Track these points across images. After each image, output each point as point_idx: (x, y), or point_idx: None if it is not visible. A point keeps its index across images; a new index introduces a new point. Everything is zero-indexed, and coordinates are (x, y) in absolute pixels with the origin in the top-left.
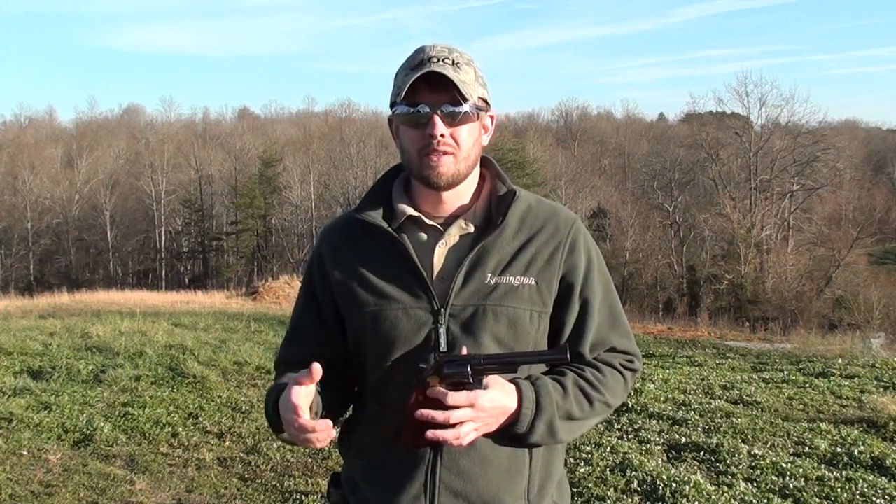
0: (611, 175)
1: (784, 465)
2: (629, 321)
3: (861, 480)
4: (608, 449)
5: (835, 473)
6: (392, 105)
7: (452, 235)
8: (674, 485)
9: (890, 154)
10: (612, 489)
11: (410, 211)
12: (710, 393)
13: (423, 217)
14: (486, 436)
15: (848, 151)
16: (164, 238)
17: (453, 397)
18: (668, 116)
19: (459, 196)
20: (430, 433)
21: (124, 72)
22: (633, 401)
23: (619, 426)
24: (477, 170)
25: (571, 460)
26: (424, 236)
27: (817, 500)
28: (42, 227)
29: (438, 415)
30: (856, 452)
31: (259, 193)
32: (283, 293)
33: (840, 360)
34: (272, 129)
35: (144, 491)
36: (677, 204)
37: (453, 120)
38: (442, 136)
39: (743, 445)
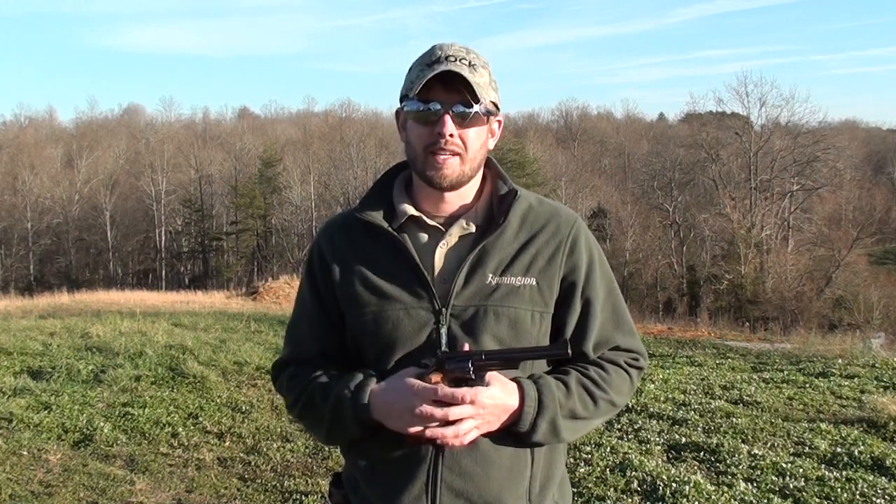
0: (611, 175)
1: (784, 465)
2: None
3: (861, 480)
4: (608, 449)
5: (835, 473)
6: (402, 98)
7: (453, 236)
8: (674, 485)
9: (890, 154)
10: (612, 489)
11: (412, 211)
12: (710, 393)
13: (425, 217)
14: (488, 435)
15: (848, 151)
16: (164, 238)
17: (454, 393)
18: (668, 116)
19: (461, 196)
20: (429, 430)
21: (124, 72)
22: (633, 401)
23: (619, 426)
24: (480, 170)
25: (571, 460)
26: (425, 236)
27: (817, 500)
28: (42, 227)
29: (437, 411)
30: (856, 452)
31: (259, 193)
32: (283, 293)
33: (840, 360)
34: (272, 129)
35: (144, 491)
36: (677, 204)
37: (463, 121)
38: (451, 135)
39: (743, 445)
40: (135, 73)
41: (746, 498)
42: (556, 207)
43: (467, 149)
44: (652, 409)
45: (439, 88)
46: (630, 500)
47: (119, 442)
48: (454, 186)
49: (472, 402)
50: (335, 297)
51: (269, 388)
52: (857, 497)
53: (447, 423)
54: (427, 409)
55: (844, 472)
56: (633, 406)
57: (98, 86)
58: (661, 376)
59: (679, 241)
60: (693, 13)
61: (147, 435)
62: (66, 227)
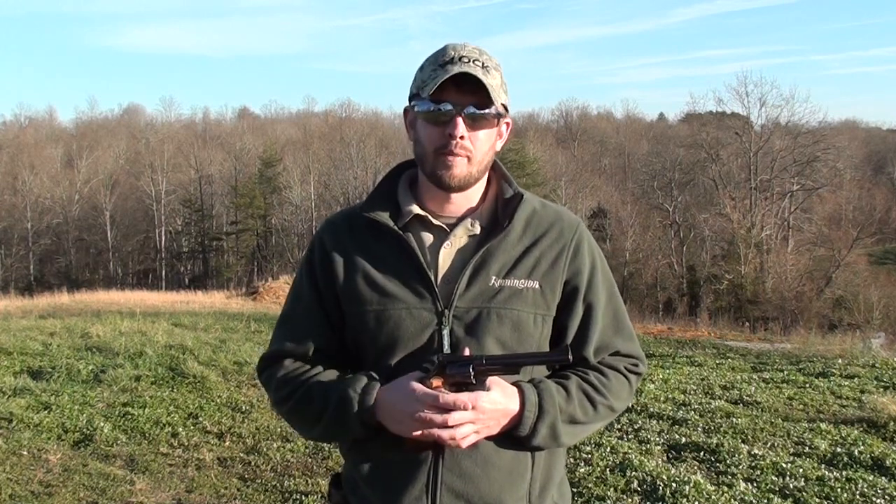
0: (611, 175)
1: (784, 465)
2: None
3: (861, 480)
4: (608, 449)
5: (835, 473)
6: (412, 97)
7: (458, 237)
8: (674, 485)
9: (890, 154)
10: (612, 489)
11: (417, 210)
12: (710, 393)
13: (430, 217)
14: (488, 438)
15: (848, 151)
16: (164, 238)
17: (454, 399)
18: (668, 116)
19: (467, 197)
20: (429, 433)
21: (124, 72)
22: (634, 401)
23: (619, 426)
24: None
25: (571, 460)
26: (430, 236)
27: (817, 500)
28: (42, 227)
29: (437, 416)
30: (856, 452)
31: (259, 193)
32: (283, 293)
33: (840, 360)
34: (272, 129)
35: (144, 491)
36: (677, 204)
37: (474, 123)
38: (462, 137)
39: (743, 445)
40: (135, 73)
41: (746, 498)
42: (559, 211)
43: (476, 150)
44: (652, 409)
45: (452, 89)
46: (630, 500)
47: (119, 442)
48: (462, 187)
49: (472, 408)
50: (335, 293)
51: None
52: (857, 497)
53: (447, 427)
54: (427, 414)
55: (844, 472)
56: (633, 406)
57: (98, 86)
58: (661, 376)
59: (679, 241)
60: (693, 13)
61: (147, 435)
62: (66, 227)
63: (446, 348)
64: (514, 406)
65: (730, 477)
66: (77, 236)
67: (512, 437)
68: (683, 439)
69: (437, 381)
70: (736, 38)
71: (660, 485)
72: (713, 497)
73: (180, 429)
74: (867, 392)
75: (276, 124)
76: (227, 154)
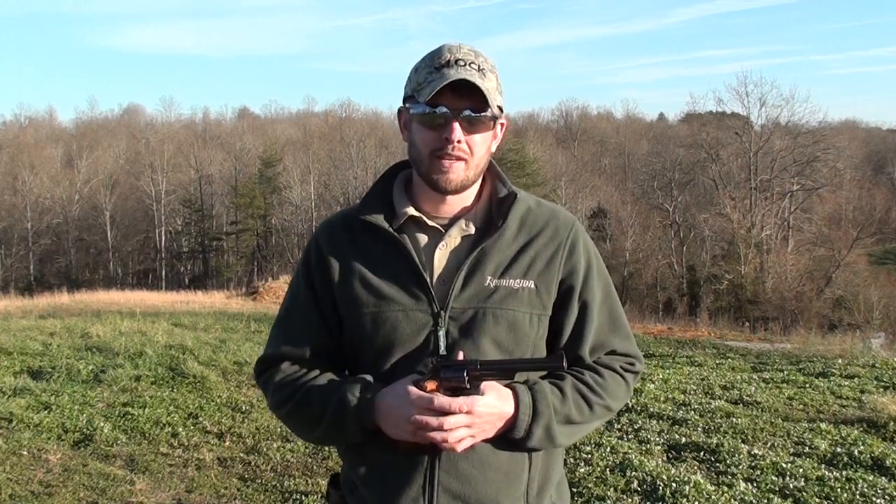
0: (611, 175)
1: (784, 465)
2: (629, 321)
3: (861, 480)
4: (608, 449)
5: (835, 473)
6: (407, 98)
7: (453, 237)
8: (674, 485)
9: (890, 154)
10: (612, 489)
11: (412, 211)
12: (710, 393)
13: (425, 218)
14: (485, 439)
15: (848, 151)
16: (164, 238)
17: (450, 403)
18: (668, 116)
19: (462, 198)
20: (424, 436)
21: (124, 72)
22: (633, 401)
23: (619, 426)
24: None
25: (571, 460)
26: (425, 237)
27: (817, 500)
28: (42, 227)
29: (433, 420)
30: (856, 452)
31: (259, 193)
32: (283, 293)
33: (840, 360)
34: (272, 129)
35: (144, 491)
36: (677, 204)
37: (471, 126)
38: (458, 141)
39: (743, 445)
40: (135, 73)
41: (746, 498)
42: (554, 210)
43: (473, 154)
44: (652, 409)
45: (448, 93)
46: (630, 500)
47: (119, 442)
48: (458, 191)
49: (467, 412)
50: (332, 296)
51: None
52: (857, 497)
53: (443, 430)
54: (423, 417)
55: (844, 472)
56: (633, 406)
57: (98, 86)
58: (661, 376)
59: (679, 241)
60: (693, 13)
61: (147, 435)
62: (66, 227)
63: (442, 349)
64: (509, 409)
65: (730, 477)
66: (77, 236)
67: (508, 439)
68: (683, 439)
69: (431, 385)
70: (736, 38)
71: (660, 485)
72: (713, 497)
73: (180, 429)
74: (867, 392)
75: (276, 124)
76: (227, 154)
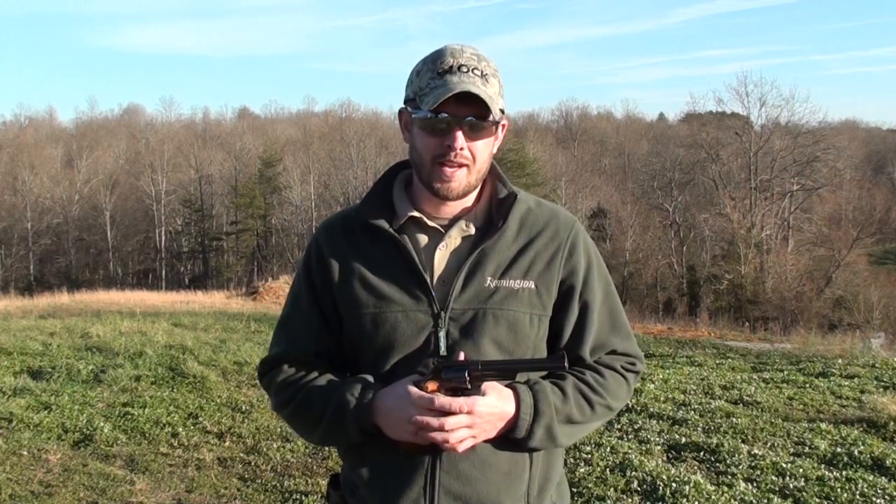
0: (611, 175)
1: (784, 465)
2: (629, 321)
3: (861, 480)
4: (608, 449)
5: (835, 473)
6: (408, 100)
7: (453, 238)
8: (674, 485)
9: (890, 154)
10: (612, 489)
11: (412, 212)
12: (710, 393)
13: (425, 218)
14: (485, 440)
15: (848, 151)
16: (164, 238)
17: (450, 403)
18: (668, 116)
19: (463, 199)
20: (425, 437)
21: (124, 72)
22: (634, 401)
23: (619, 426)
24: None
25: (571, 460)
26: (425, 238)
27: (817, 500)
28: (42, 227)
29: (434, 421)
30: (856, 452)
31: (259, 193)
32: (283, 293)
33: (840, 360)
34: (272, 129)
35: (144, 491)
36: (677, 204)
37: (473, 133)
38: (461, 148)
39: (743, 445)
40: (135, 73)
41: (746, 498)
42: (554, 210)
43: (475, 160)
44: (652, 409)
45: (451, 100)
46: (630, 500)
47: (119, 442)
48: (460, 198)
49: (468, 412)
50: (332, 297)
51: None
52: (857, 497)
53: (444, 431)
54: (424, 418)
55: (844, 472)
56: (633, 406)
57: (98, 86)
58: (661, 376)
59: (679, 241)
60: (693, 13)
61: (147, 435)
62: (66, 227)
63: (443, 350)
64: (510, 409)
65: (730, 477)
66: (77, 236)
67: (509, 439)
68: (683, 439)
69: (432, 386)
70: (736, 38)
71: (660, 485)
72: (713, 497)
73: (180, 429)
74: (867, 392)
75: (276, 124)
76: (227, 154)
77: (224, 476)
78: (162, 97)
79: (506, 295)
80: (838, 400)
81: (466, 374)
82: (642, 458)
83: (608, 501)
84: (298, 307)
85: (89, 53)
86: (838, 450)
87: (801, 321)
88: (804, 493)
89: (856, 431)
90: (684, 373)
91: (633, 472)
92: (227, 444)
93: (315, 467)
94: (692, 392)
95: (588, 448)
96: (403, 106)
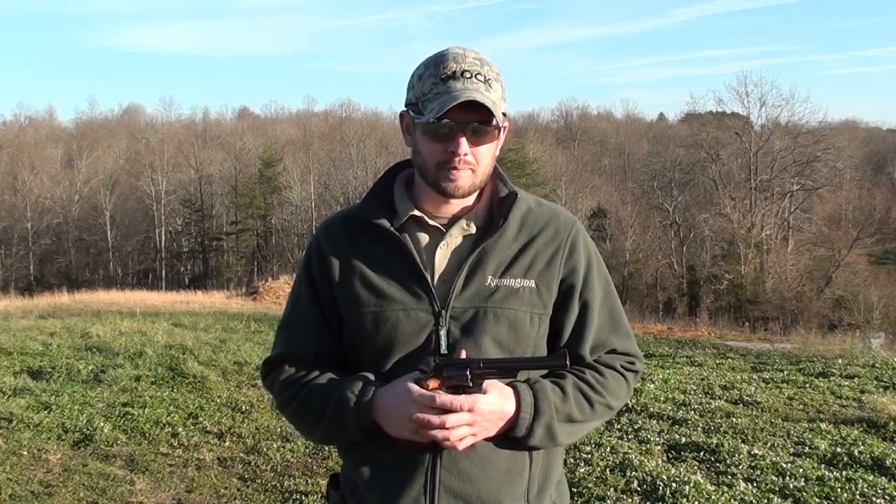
0: (611, 175)
1: (784, 465)
2: (629, 321)
3: (861, 480)
4: (608, 449)
5: (835, 473)
6: (409, 104)
7: (454, 237)
8: (674, 485)
9: (890, 154)
10: (612, 489)
11: (413, 211)
12: (710, 393)
13: (426, 217)
14: (486, 438)
15: (848, 151)
16: (164, 238)
17: (451, 400)
18: (668, 116)
19: (464, 198)
20: (426, 434)
21: (124, 72)
22: (633, 401)
23: (619, 426)
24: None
25: (571, 460)
26: (426, 237)
27: (817, 500)
28: (42, 227)
29: (434, 418)
30: (856, 452)
31: (259, 193)
32: (283, 293)
33: (840, 360)
34: (272, 129)
35: (144, 491)
36: (677, 204)
37: (477, 138)
38: (465, 154)
39: (743, 445)
40: (135, 73)
41: (746, 498)
42: (554, 210)
43: (479, 163)
44: (652, 409)
45: (455, 106)
46: (630, 500)
47: (119, 442)
48: (465, 196)
49: (469, 410)
50: (333, 296)
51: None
52: (857, 497)
53: (445, 429)
54: (425, 415)
55: (844, 472)
56: (633, 406)
57: (98, 86)
58: (661, 376)
59: (679, 241)
60: (693, 13)
61: (147, 435)
62: (66, 227)
63: (443, 349)
64: (511, 407)
65: (730, 477)
66: (77, 236)
67: (509, 437)
68: (683, 439)
69: (433, 383)
70: (736, 38)
71: (660, 485)
72: (713, 497)
73: (180, 429)
74: (867, 392)
75: (276, 124)
76: (227, 154)
77: (224, 476)
78: (162, 97)
79: (506, 294)
80: (838, 400)
81: (468, 372)
82: (642, 458)
83: (608, 501)
84: (299, 307)
85: (89, 53)
86: (838, 450)
87: (801, 321)
88: (804, 493)
89: (856, 431)
90: (684, 373)
91: (633, 472)
92: (227, 444)
93: (315, 467)
94: (692, 392)
95: (588, 448)
96: (405, 109)
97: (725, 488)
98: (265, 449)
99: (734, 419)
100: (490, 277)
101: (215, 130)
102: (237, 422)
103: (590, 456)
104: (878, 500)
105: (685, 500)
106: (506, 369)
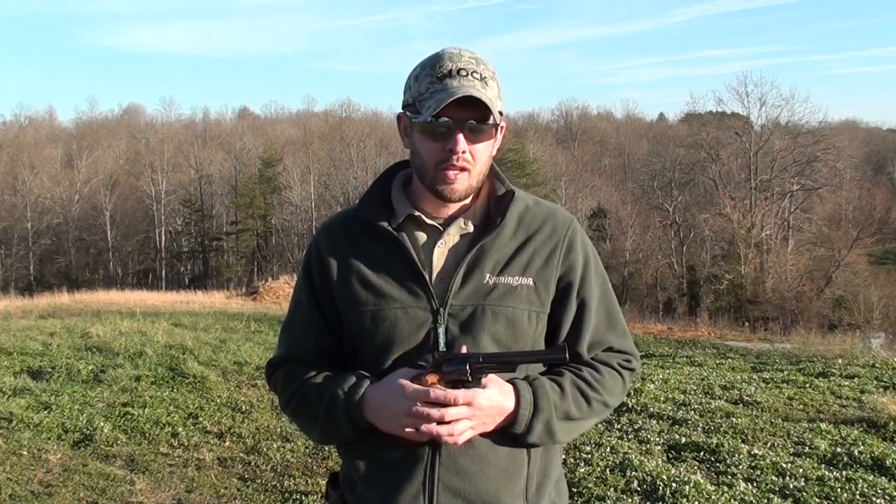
0: (611, 175)
1: (784, 465)
2: (629, 321)
3: (861, 480)
4: (608, 449)
5: (835, 473)
6: (407, 105)
7: (452, 235)
8: (674, 485)
9: (890, 154)
10: (612, 489)
11: (411, 211)
12: (710, 393)
13: (423, 216)
14: (485, 435)
15: (848, 151)
16: (164, 238)
17: (445, 394)
18: (668, 116)
19: (460, 201)
20: (424, 428)
21: (124, 72)
22: (633, 401)
23: (619, 426)
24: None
25: (571, 460)
26: (424, 236)
27: (817, 500)
28: (42, 227)
29: (434, 412)
30: (856, 452)
31: (259, 193)
32: (283, 293)
33: (840, 360)
34: (272, 129)
35: (144, 491)
36: (677, 204)
37: (474, 136)
38: (463, 152)
39: (743, 445)
40: (135, 73)
41: (746, 498)
42: (552, 208)
43: (476, 162)
44: (652, 409)
45: (451, 104)
46: (630, 500)
47: (119, 442)
48: (463, 199)
49: (468, 404)
50: (332, 296)
51: (269, 388)
52: (857, 497)
53: (443, 423)
54: (422, 409)
55: (844, 472)
56: (633, 406)
57: (98, 86)
58: (661, 376)
59: (679, 241)
60: (693, 13)
61: (147, 435)
62: (66, 227)
63: (442, 346)
64: (510, 403)
65: (730, 477)
66: (77, 236)
67: (508, 434)
68: (683, 439)
69: (432, 378)
70: (736, 38)
71: (660, 485)
72: (713, 497)
73: (180, 429)
74: (867, 392)
75: (276, 124)
76: (227, 154)
77: (224, 476)
78: (162, 97)
79: (504, 291)
80: (838, 400)
81: (467, 367)
82: (642, 458)
83: (608, 501)
84: (300, 308)
85: (89, 53)
86: (838, 450)
87: (801, 321)
88: (804, 493)
89: (856, 431)
90: (684, 373)
91: (633, 472)
92: (227, 444)
93: (315, 467)
94: (692, 392)
95: (588, 448)
96: (402, 111)
97: (725, 488)
98: (265, 449)
99: (734, 419)
100: (488, 275)
101: (215, 130)
102: (237, 422)
103: (590, 456)
104: (878, 500)
105: (685, 500)
106: (505, 363)
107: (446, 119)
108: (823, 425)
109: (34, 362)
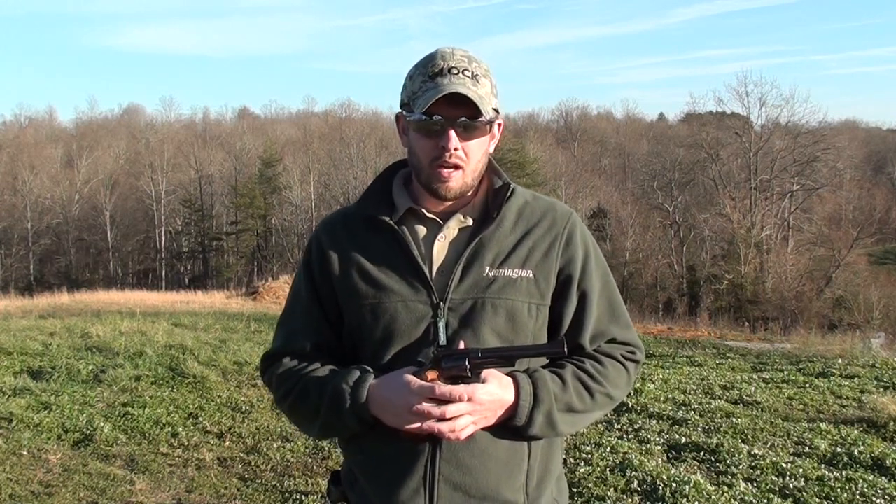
0: (611, 175)
1: (784, 465)
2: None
3: (861, 480)
4: (608, 449)
5: (835, 473)
6: (403, 104)
7: (451, 229)
8: (674, 485)
9: (890, 154)
10: (612, 489)
11: (411, 205)
12: (710, 393)
13: (423, 210)
14: (485, 429)
15: (848, 151)
16: (164, 238)
17: (450, 391)
18: (668, 116)
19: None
20: (426, 425)
21: (124, 72)
22: (633, 401)
23: (619, 426)
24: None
25: (571, 460)
26: (424, 230)
27: (817, 500)
28: (42, 227)
29: (434, 409)
30: (856, 452)
31: (259, 193)
32: (283, 293)
33: (840, 360)
34: (272, 129)
35: (144, 491)
36: (677, 204)
37: (467, 133)
38: (455, 149)
39: (743, 445)
40: (135, 73)
41: (746, 498)
42: (551, 202)
43: (470, 160)
44: (652, 409)
45: (443, 102)
46: (630, 500)
47: (119, 442)
48: (458, 197)
49: (469, 400)
50: (332, 290)
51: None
52: (857, 497)
53: (445, 419)
54: (425, 406)
55: (844, 472)
56: (633, 406)
57: (98, 86)
58: (661, 376)
59: (679, 241)
60: (693, 13)
61: (147, 435)
62: (66, 227)
63: (442, 340)
64: (510, 396)
65: (730, 477)
66: (77, 236)
67: (509, 426)
68: (683, 439)
69: (432, 375)
70: (736, 38)
71: (660, 485)
72: (713, 497)
73: (180, 429)
74: (867, 392)
75: (276, 124)
76: (227, 154)
77: (224, 476)
78: (162, 97)
79: (504, 284)
80: (838, 400)
81: (467, 362)
82: (642, 458)
83: (608, 501)
84: (298, 301)
85: (89, 53)
86: (838, 450)
87: (801, 321)
88: (804, 493)
89: (856, 431)
90: (684, 373)
91: (633, 472)
92: (227, 444)
93: (315, 467)
94: (692, 392)
95: (588, 448)
96: (399, 111)
97: (725, 488)
98: (265, 449)
99: (734, 419)
100: (488, 268)
101: (215, 130)
102: (237, 422)
103: (590, 456)
104: (878, 500)
105: (685, 500)
106: (504, 358)
107: (438, 117)
108: (823, 425)
109: (34, 362)
